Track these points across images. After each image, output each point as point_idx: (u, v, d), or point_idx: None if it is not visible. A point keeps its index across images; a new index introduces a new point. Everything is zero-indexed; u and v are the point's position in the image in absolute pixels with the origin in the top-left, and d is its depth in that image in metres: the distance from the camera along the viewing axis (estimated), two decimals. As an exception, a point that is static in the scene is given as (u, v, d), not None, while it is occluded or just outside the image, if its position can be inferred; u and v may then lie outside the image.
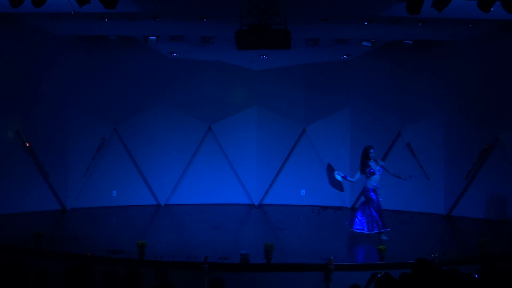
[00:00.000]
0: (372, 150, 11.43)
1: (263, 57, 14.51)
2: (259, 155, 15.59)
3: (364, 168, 11.42)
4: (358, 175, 11.62)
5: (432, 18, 11.12)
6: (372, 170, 11.36)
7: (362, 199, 11.87)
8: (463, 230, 13.43)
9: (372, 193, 11.43)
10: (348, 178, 11.78)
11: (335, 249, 10.93)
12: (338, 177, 11.64)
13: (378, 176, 11.41)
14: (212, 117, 15.58)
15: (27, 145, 14.06)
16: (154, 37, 13.58)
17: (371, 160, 11.40)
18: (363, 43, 13.68)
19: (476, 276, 6.05)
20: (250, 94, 15.57)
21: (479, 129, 13.73)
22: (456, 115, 14.09)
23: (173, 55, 14.80)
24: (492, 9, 9.49)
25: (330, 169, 11.77)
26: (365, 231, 11.40)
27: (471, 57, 13.65)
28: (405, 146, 14.54)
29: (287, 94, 15.51)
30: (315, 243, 11.50)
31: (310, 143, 15.57)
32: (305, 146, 15.65)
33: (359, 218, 11.47)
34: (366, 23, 12.00)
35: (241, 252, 9.72)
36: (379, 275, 5.83)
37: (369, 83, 15.01)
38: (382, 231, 11.37)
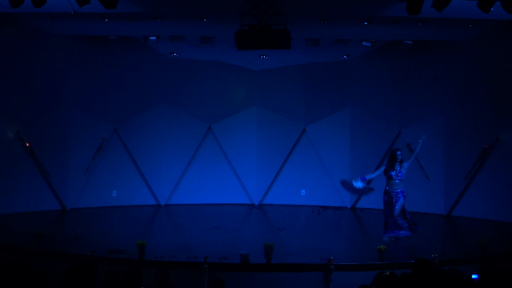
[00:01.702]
0: (399, 153, 10.97)
1: (263, 57, 14.50)
2: (259, 155, 15.58)
3: (388, 170, 10.99)
4: (380, 171, 11.15)
5: (432, 18, 11.11)
6: (391, 173, 10.93)
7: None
8: (463, 230, 13.41)
9: (385, 196, 11.03)
10: (368, 177, 11.22)
11: (335, 249, 10.93)
12: (358, 185, 10.99)
13: (397, 181, 10.93)
14: (212, 117, 15.58)
15: (27, 145, 14.07)
16: (154, 37, 13.57)
17: (397, 163, 10.94)
18: (363, 43, 13.68)
19: (476, 276, 6.06)
20: (250, 94, 15.57)
21: (479, 129, 13.73)
22: (456, 115, 14.08)
23: (173, 55, 14.80)
24: (492, 9, 9.51)
25: (345, 184, 11.28)
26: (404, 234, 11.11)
27: (471, 57, 13.64)
28: (405, 146, 14.51)
29: (287, 94, 15.50)
30: (315, 243, 11.49)
31: (310, 143, 15.57)
32: (305, 146, 15.65)
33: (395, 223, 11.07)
34: (366, 23, 11.99)
35: (241, 252, 9.71)
36: (384, 274, 5.84)
37: (369, 83, 15.00)
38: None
